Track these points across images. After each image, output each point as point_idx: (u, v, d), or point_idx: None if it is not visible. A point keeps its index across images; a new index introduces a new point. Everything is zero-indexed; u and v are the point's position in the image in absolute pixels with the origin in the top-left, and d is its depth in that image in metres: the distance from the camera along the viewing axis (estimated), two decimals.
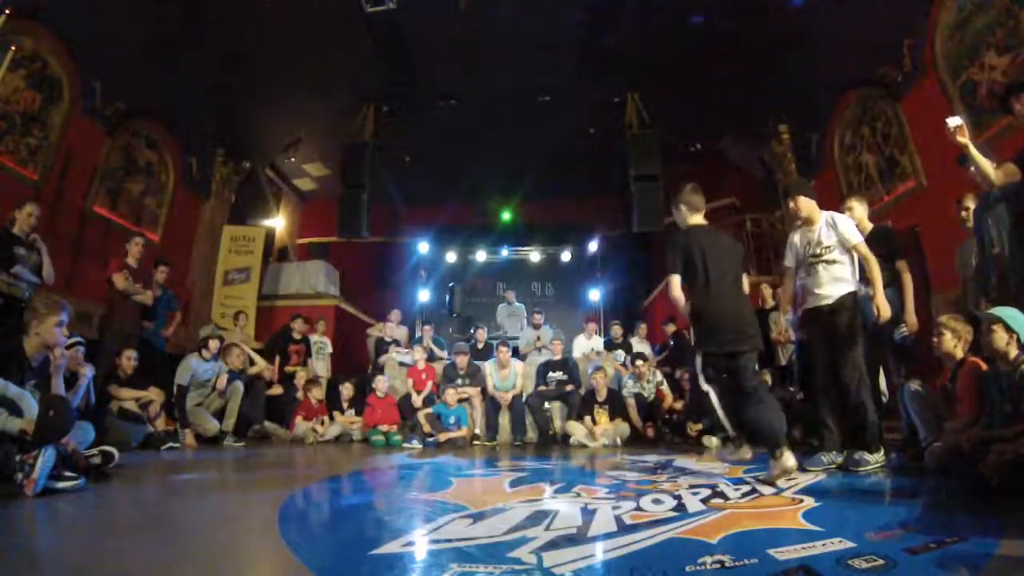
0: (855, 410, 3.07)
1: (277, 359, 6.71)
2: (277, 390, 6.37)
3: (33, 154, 5.56)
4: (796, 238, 3.43)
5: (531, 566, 1.36)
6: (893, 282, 3.62)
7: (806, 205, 3.32)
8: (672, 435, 5.47)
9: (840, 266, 3.21)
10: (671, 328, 7.29)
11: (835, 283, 3.20)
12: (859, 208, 3.84)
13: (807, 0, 6.04)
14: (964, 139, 2.98)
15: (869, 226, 3.83)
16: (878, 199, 6.32)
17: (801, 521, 1.76)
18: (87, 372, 3.81)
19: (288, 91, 7.82)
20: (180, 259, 7.74)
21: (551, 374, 6.16)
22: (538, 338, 7.39)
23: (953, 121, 2.97)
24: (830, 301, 3.18)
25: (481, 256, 11.21)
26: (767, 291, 6.38)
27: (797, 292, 3.55)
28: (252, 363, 6.14)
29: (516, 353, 6.93)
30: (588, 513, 1.96)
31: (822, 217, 3.32)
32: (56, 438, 2.36)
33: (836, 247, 3.22)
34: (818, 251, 3.25)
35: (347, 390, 6.29)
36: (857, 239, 3.21)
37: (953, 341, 2.96)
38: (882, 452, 3.06)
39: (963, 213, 4.06)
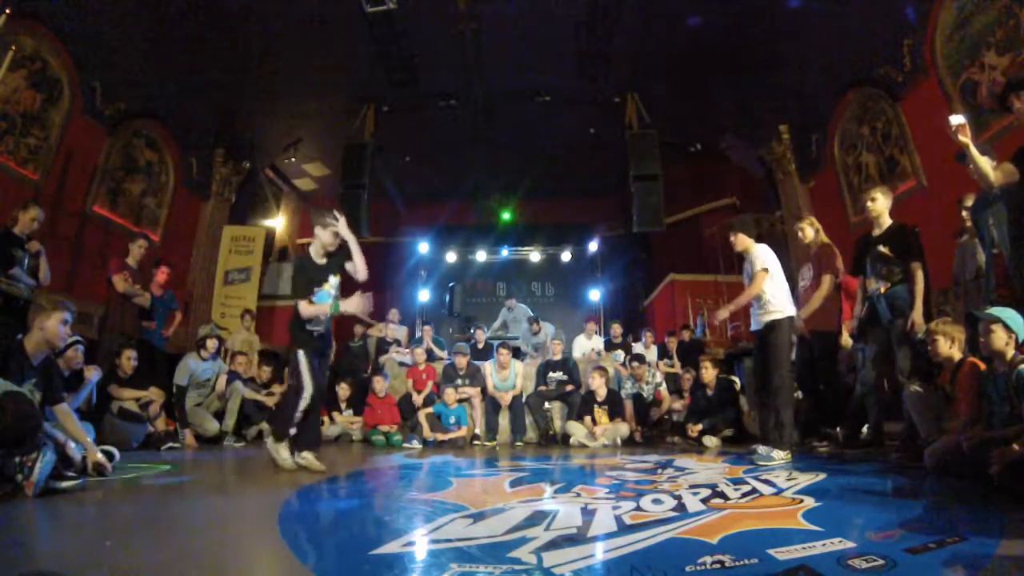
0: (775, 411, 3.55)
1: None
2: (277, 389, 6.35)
3: (33, 154, 5.56)
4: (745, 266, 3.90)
5: (531, 566, 1.35)
6: (905, 280, 3.58)
7: (742, 241, 3.84)
8: (672, 435, 5.46)
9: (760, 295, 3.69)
10: (673, 341, 7.29)
11: (760, 312, 3.71)
12: (882, 200, 3.76)
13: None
14: (965, 138, 2.89)
15: (888, 221, 3.73)
16: None
17: (801, 521, 1.76)
18: (93, 375, 3.83)
19: (288, 91, 7.82)
20: (180, 259, 7.74)
21: (551, 374, 6.15)
22: (536, 347, 7.40)
23: (956, 119, 2.88)
24: (759, 328, 3.73)
25: (481, 256, 11.20)
26: None
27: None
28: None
29: (518, 353, 6.93)
30: (588, 513, 1.96)
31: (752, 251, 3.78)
32: (13, 441, 2.16)
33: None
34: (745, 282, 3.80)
35: (343, 391, 6.28)
36: (759, 267, 3.64)
37: (947, 344, 2.96)
38: (787, 452, 3.42)
39: (963, 213, 4.04)
